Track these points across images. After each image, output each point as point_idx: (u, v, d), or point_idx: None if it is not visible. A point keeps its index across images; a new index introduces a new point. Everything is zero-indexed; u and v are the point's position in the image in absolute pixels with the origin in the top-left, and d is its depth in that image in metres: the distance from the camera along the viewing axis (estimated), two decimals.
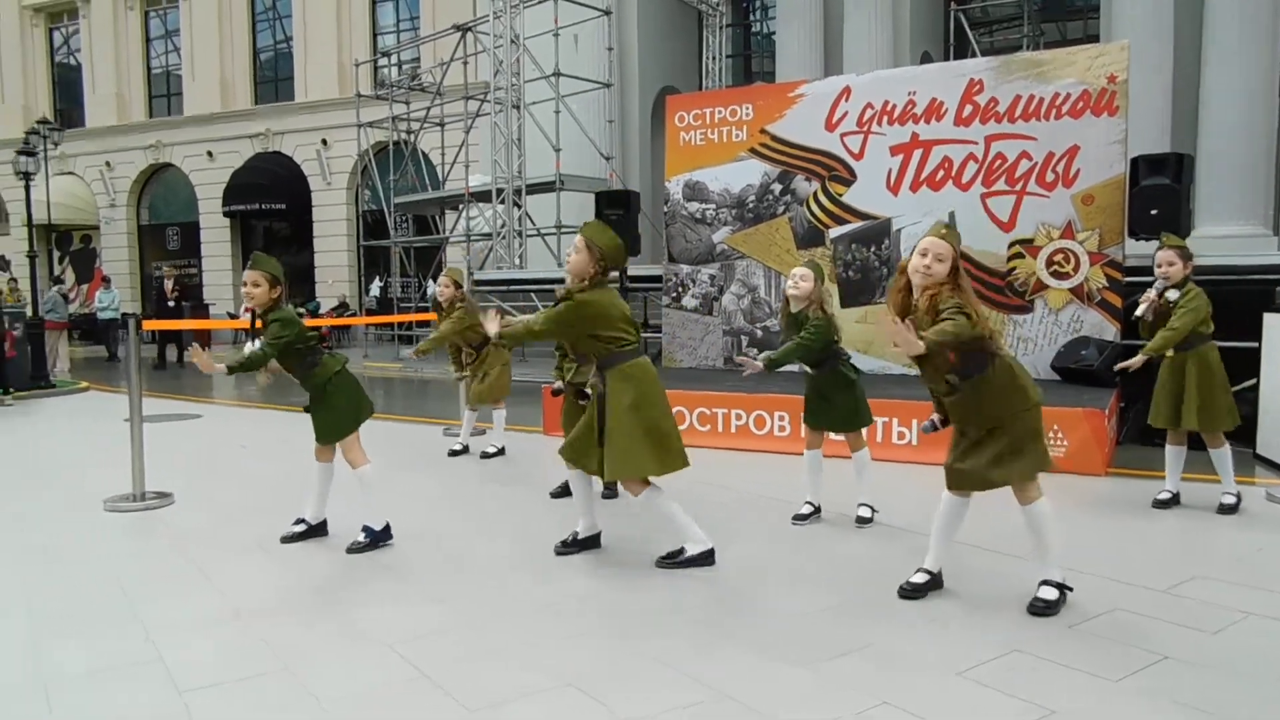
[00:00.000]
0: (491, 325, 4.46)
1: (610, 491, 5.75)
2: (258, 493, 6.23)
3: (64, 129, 25.47)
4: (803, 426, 5.17)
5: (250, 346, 4.65)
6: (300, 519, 5.07)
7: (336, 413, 4.79)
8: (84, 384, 13.61)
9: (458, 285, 7.30)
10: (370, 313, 22.15)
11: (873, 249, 9.12)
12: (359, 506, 4.93)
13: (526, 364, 16.01)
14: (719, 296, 10.50)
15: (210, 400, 12.53)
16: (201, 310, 23.19)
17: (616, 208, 11.35)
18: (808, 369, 5.07)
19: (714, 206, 10.17)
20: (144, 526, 5.46)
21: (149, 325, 7.44)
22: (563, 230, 15.43)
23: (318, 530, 5.06)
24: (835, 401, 5.01)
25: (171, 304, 17.86)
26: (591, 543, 4.80)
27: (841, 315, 8.62)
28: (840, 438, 5.20)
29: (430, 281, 20.04)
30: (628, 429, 4.23)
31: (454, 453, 7.56)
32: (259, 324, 4.72)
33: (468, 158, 17.25)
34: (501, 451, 7.53)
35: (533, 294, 14.82)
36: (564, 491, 5.98)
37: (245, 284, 4.64)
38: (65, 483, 6.64)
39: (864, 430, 5.17)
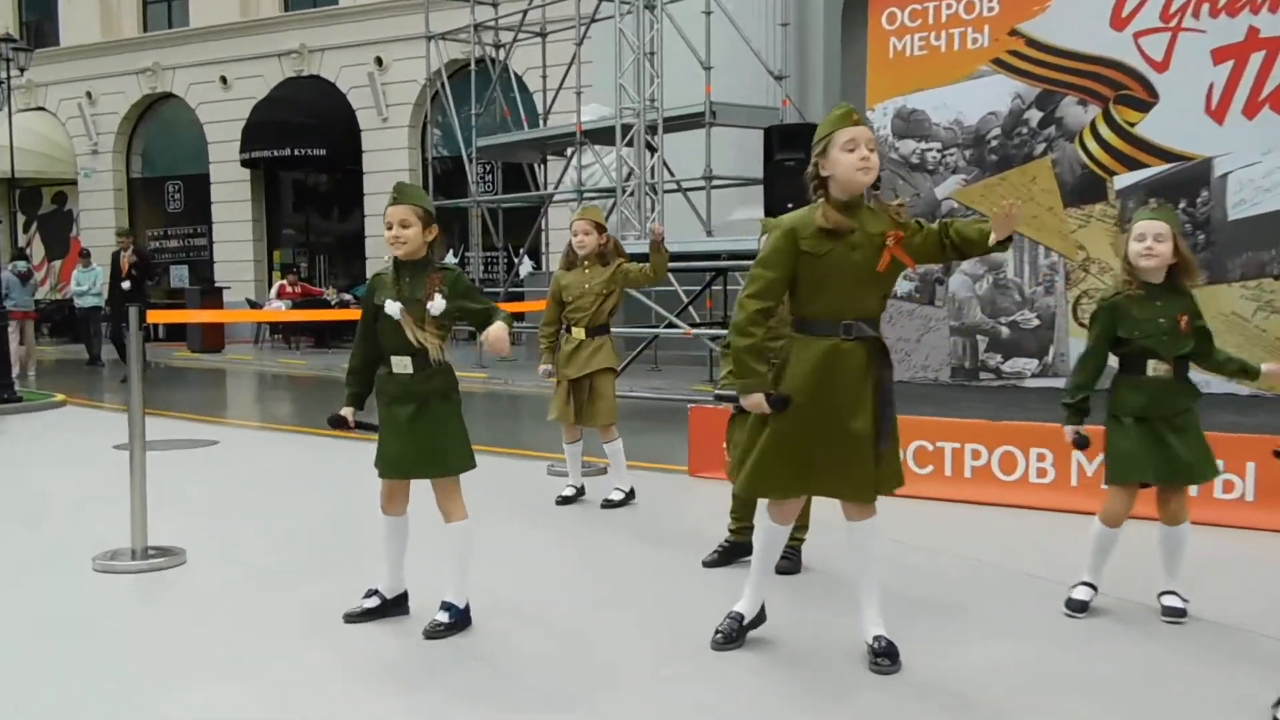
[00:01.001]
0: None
1: (788, 561, 5.72)
2: (296, 547, 6.43)
3: (31, 49, 27.13)
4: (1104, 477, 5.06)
5: (436, 304, 4.74)
6: (372, 590, 5.21)
7: (458, 435, 4.93)
8: (59, 396, 14.40)
9: (601, 228, 7.47)
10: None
11: (1183, 205, 8.82)
12: (449, 572, 5.04)
13: (660, 375, 16.15)
14: (944, 278, 10.34)
15: (225, 420, 13.07)
16: (213, 296, 24.35)
17: (793, 149, 11.38)
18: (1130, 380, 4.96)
19: (938, 146, 10.02)
20: (147, 592, 5.69)
21: (155, 316, 7.81)
22: (715, 183, 15.49)
23: (395, 607, 5.20)
24: (1178, 437, 4.89)
25: (126, 285, 18.28)
26: (758, 621, 4.82)
27: None
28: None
29: (520, 260, 20.46)
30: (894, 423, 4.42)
31: (565, 499, 7.69)
32: (432, 293, 4.76)
33: (579, 82, 17.55)
34: (630, 497, 7.61)
35: (670, 276, 14.91)
36: (728, 555, 6.00)
37: (390, 225, 4.81)
38: (39, 533, 7.01)
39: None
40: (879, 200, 4.39)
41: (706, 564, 6.01)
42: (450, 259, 22.63)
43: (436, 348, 4.82)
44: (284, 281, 25.29)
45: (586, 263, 7.43)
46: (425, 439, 4.87)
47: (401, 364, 4.86)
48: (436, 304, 4.78)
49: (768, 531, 4.67)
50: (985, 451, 7.51)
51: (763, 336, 4.37)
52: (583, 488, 7.80)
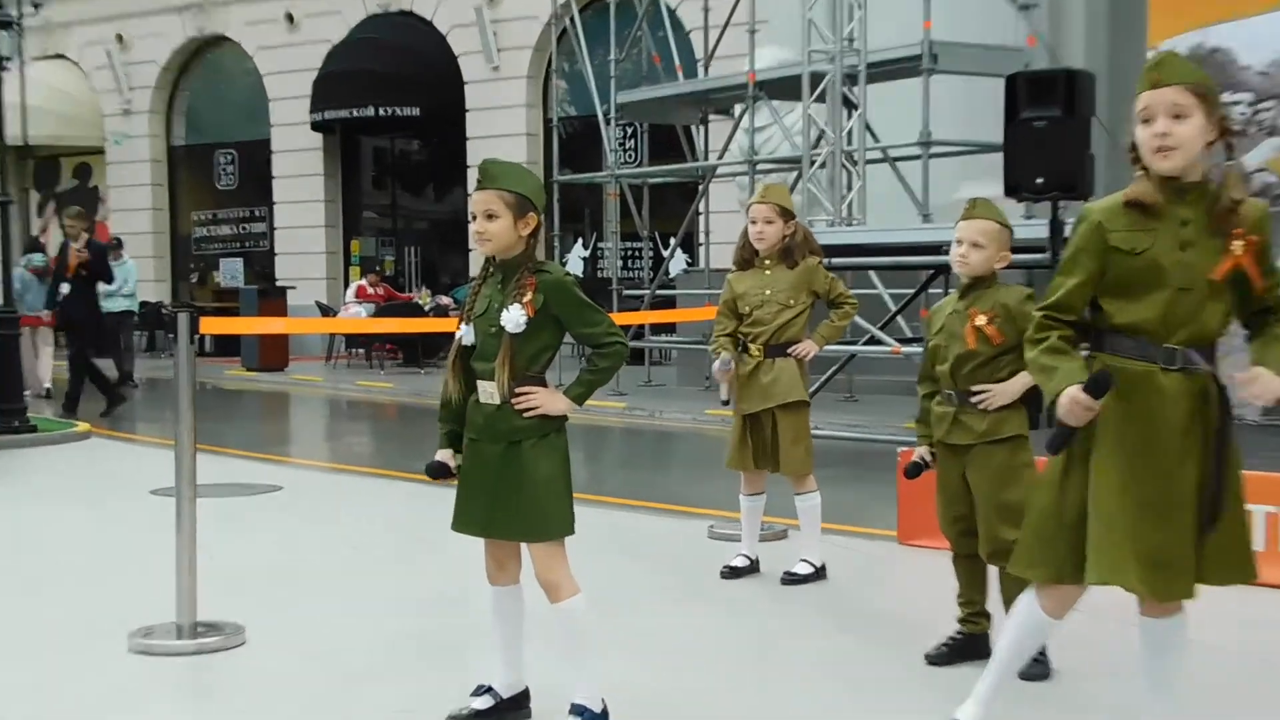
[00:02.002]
0: None
1: (1039, 665, 5.63)
2: (384, 627, 6.51)
3: None
4: None
5: (511, 316, 4.82)
6: (484, 688, 5.25)
7: (557, 488, 4.96)
8: (81, 425, 14.85)
9: (787, 215, 7.43)
10: None
11: None
12: (569, 664, 5.06)
13: (857, 407, 16.02)
14: None
15: (290, 459, 13.33)
16: (274, 299, 24.74)
17: (1045, 105, 11.24)
18: None
19: (1249, 98, 9.81)
20: (195, 682, 5.82)
21: (209, 327, 8.02)
22: (934, 151, 15.33)
23: (512, 709, 5.24)
24: None
25: (66, 289, 16.96)
26: None
27: None
28: None
29: (671, 253, 20.51)
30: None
31: (733, 571, 7.67)
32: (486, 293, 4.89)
33: (753, 17, 17.58)
34: (820, 574, 7.58)
35: (873, 275, 14.84)
36: (958, 652, 5.93)
37: (473, 216, 4.91)
38: (56, 602, 7.20)
39: None
40: (1232, 178, 4.25)
41: (930, 659, 5.95)
42: (578, 253, 22.67)
43: (504, 384, 4.85)
44: (363, 281, 25.73)
45: (768, 261, 7.41)
46: (513, 490, 4.90)
47: (488, 391, 4.91)
48: (511, 316, 4.82)
49: (1030, 623, 4.59)
50: None
51: (1061, 335, 4.29)
52: (758, 560, 7.77)
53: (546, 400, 4.85)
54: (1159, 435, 4.21)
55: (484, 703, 5.19)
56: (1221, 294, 4.21)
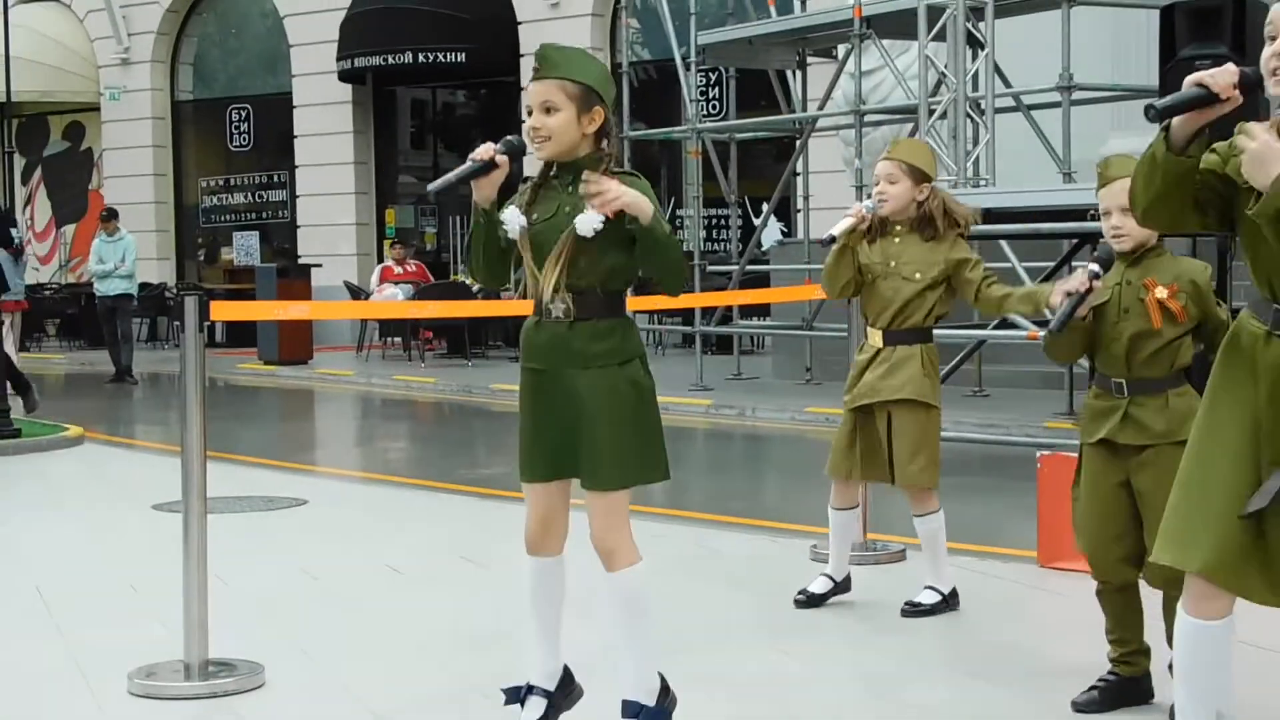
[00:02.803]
0: None
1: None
2: (424, 665, 6.52)
3: None
4: None
5: (586, 219, 4.81)
6: (523, 689, 5.25)
7: (644, 425, 4.97)
8: (72, 428, 14.96)
9: (921, 176, 7.29)
10: (640, 285, 22.72)
11: None
12: (622, 646, 5.05)
13: (988, 402, 15.91)
14: None
15: (316, 468, 13.38)
16: (297, 279, 24.73)
17: (1209, 41, 11.11)
18: None
19: None
20: None
21: (220, 313, 8.05)
22: (1077, 97, 15.20)
23: (564, 695, 5.27)
24: None
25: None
26: None
27: None
28: None
29: (764, 221, 20.46)
30: None
31: (810, 599, 7.62)
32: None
33: None
34: (951, 602, 7.52)
35: (1005, 245, 14.72)
36: (1110, 697, 5.84)
37: (529, 111, 4.89)
38: (48, 636, 7.23)
39: None
40: None
41: (1078, 706, 5.88)
42: None
43: (566, 301, 4.86)
44: (389, 260, 25.72)
45: (899, 229, 7.34)
46: (587, 423, 4.91)
47: (558, 305, 4.90)
48: (586, 219, 4.80)
49: (1194, 634, 4.41)
50: None
51: None
52: (847, 579, 7.70)
53: (622, 191, 4.74)
54: (1253, 398, 4.24)
55: (536, 710, 5.20)
56: None
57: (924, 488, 7.32)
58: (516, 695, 5.23)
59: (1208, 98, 4.02)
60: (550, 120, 4.84)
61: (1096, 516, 5.76)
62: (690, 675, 5.73)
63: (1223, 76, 3.99)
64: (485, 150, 4.87)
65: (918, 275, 7.20)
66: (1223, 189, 4.19)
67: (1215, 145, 4.20)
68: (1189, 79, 4.08)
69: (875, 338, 7.30)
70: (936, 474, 7.34)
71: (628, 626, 5.03)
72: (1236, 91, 4.00)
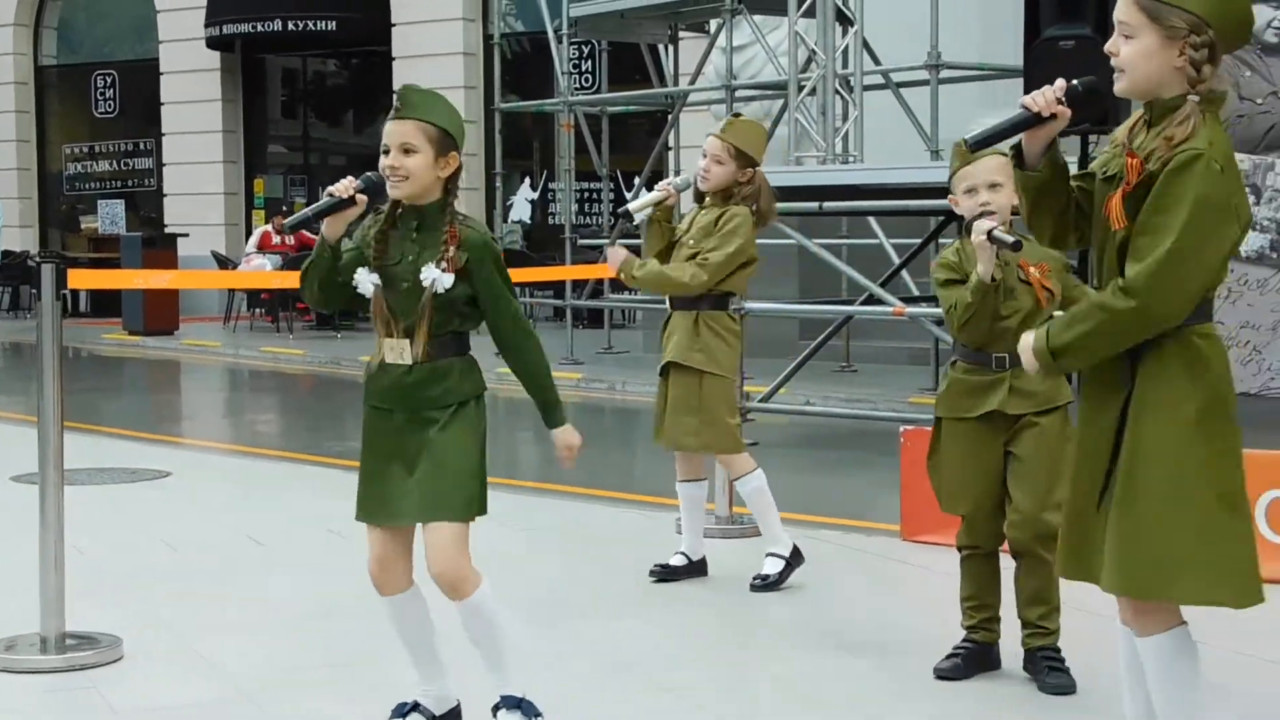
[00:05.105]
0: None
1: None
2: (287, 637, 6.50)
3: None
4: None
5: (434, 274, 4.86)
6: (408, 705, 5.24)
7: (469, 463, 5.00)
8: None
9: (745, 160, 7.39)
10: (510, 257, 22.75)
11: None
12: (491, 668, 5.07)
13: (856, 378, 15.98)
14: None
15: (181, 440, 13.28)
16: (163, 248, 24.49)
17: (1073, 21, 11.23)
18: None
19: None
20: (63, 704, 5.77)
21: (80, 281, 7.97)
22: (945, 75, 15.34)
23: None
24: None
25: None
26: None
27: None
28: None
29: (635, 196, 20.49)
30: (1190, 482, 4.20)
31: (665, 571, 7.68)
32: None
33: None
34: (794, 562, 7.55)
35: (873, 222, 14.83)
36: (971, 663, 5.94)
37: (387, 150, 4.89)
38: None
39: None
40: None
41: (941, 673, 5.99)
42: (524, 195, 22.58)
43: (421, 346, 4.92)
44: (268, 226, 25.56)
45: (708, 202, 7.42)
46: (424, 464, 4.96)
47: (399, 350, 4.96)
48: (435, 274, 4.86)
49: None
50: None
51: None
52: (703, 561, 7.77)
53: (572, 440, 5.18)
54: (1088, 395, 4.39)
55: None
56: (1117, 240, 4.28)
57: (727, 451, 7.49)
58: (401, 712, 5.23)
59: (1030, 119, 4.19)
60: (409, 161, 4.89)
61: (979, 485, 5.89)
62: (556, 648, 5.76)
63: (1044, 95, 4.16)
64: (345, 187, 4.92)
65: (691, 242, 7.35)
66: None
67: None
68: (1020, 100, 4.25)
69: (669, 303, 7.51)
70: (722, 438, 7.44)
71: (490, 647, 5.06)
72: (1062, 106, 4.16)
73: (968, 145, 4.48)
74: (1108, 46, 4.20)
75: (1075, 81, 4.20)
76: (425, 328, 4.92)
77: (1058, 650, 5.82)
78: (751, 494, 7.55)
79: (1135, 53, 4.13)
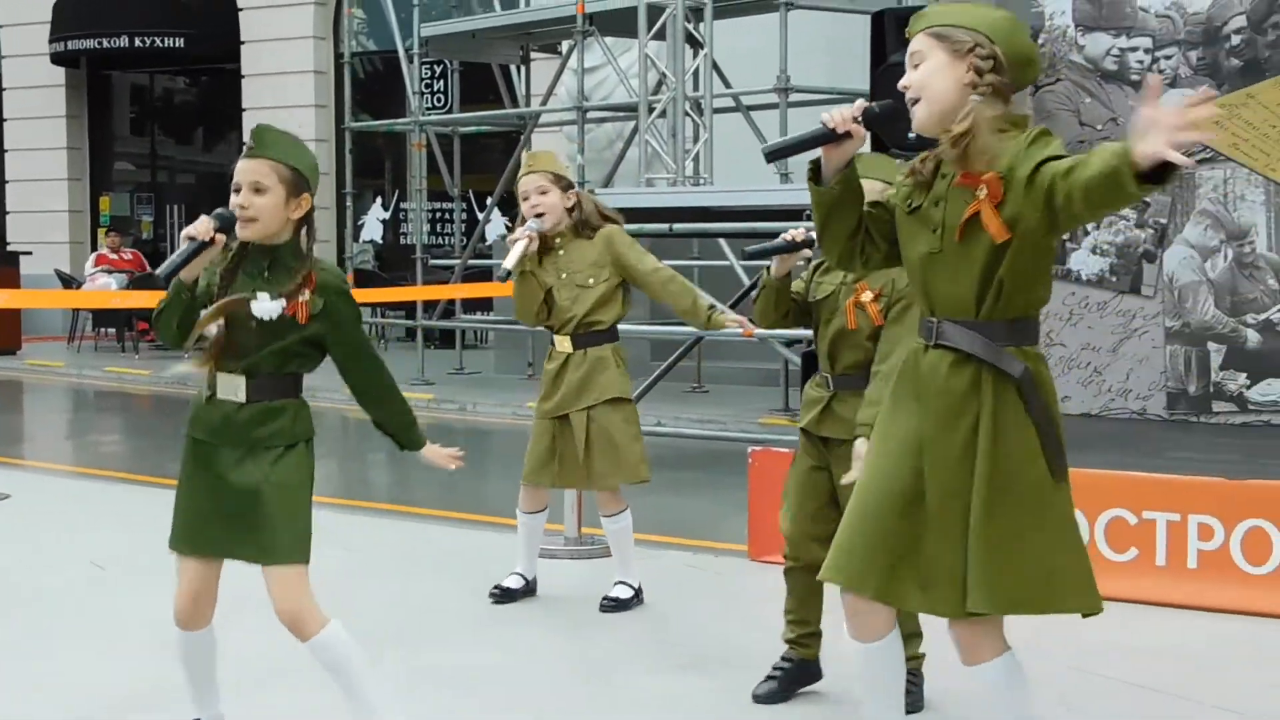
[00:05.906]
0: None
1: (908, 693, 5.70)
2: (124, 659, 6.41)
3: None
4: None
5: (263, 304, 4.82)
6: None
7: (300, 505, 4.98)
8: None
9: (564, 183, 7.46)
10: (362, 277, 22.64)
11: None
12: (351, 708, 5.05)
13: (707, 398, 16.05)
14: (1154, 251, 10.30)
15: (20, 461, 13.10)
16: (5, 266, 24.18)
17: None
18: None
19: (1147, 44, 10.06)
20: None
21: None
22: (794, 99, 15.47)
23: None
24: None
25: None
26: None
27: None
28: None
29: (487, 216, 20.48)
30: (1049, 497, 4.25)
31: (504, 594, 7.73)
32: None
33: None
34: (638, 595, 7.66)
35: (724, 243, 14.90)
36: (789, 681, 6.02)
37: (237, 189, 4.85)
38: None
39: None
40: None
41: (759, 698, 6.04)
42: (376, 215, 22.47)
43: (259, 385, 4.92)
44: (104, 247, 25.21)
45: (559, 240, 7.41)
46: (252, 503, 4.90)
47: (231, 386, 4.92)
48: (264, 304, 4.83)
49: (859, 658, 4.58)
50: (1220, 528, 7.42)
51: None
52: (535, 580, 7.85)
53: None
54: (919, 418, 4.38)
55: None
56: (970, 259, 4.27)
57: (616, 487, 7.48)
58: None
59: (826, 135, 4.27)
60: (259, 200, 4.84)
61: (797, 494, 5.96)
62: (405, 668, 5.74)
63: (841, 113, 4.25)
64: (205, 230, 4.81)
65: (590, 281, 7.34)
66: (890, 221, 4.41)
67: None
68: (820, 116, 4.32)
69: (564, 344, 7.40)
70: (637, 467, 7.45)
71: (345, 684, 5.00)
72: (858, 126, 4.25)
73: (764, 154, 4.58)
74: (901, 83, 4.27)
75: (873, 104, 4.30)
76: (265, 367, 4.90)
77: None
78: (619, 532, 7.59)
79: (926, 71, 4.20)
